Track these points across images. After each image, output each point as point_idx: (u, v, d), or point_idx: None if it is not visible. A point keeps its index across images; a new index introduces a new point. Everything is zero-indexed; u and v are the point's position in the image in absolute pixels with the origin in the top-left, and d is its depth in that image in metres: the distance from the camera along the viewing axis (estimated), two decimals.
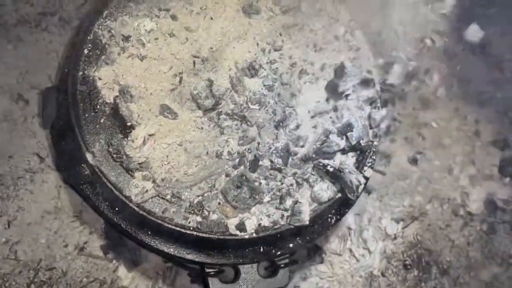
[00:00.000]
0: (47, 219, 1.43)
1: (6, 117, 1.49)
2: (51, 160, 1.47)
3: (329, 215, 1.11)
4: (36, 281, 1.37)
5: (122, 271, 1.42)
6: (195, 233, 0.96)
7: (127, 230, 1.02)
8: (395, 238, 1.62)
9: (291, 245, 1.08)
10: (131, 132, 0.97)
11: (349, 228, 1.58)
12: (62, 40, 1.60)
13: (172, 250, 1.03)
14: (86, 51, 1.04)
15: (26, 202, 1.43)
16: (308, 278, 1.50)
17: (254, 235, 0.99)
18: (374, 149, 1.09)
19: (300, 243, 1.09)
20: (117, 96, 0.99)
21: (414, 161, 1.72)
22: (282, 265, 1.09)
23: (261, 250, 1.06)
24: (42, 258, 1.39)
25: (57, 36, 1.61)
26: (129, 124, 0.96)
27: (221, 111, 1.05)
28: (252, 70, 1.07)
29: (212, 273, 1.06)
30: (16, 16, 1.60)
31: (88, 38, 1.05)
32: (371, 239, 1.57)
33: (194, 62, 1.06)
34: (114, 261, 1.43)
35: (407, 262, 1.59)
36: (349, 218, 1.58)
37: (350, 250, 1.57)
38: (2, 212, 1.41)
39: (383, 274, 1.57)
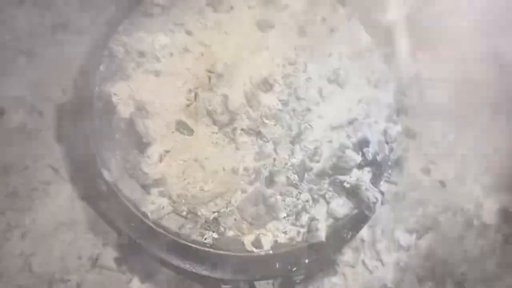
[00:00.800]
0: (61, 231, 1.43)
1: (20, 129, 1.50)
2: (65, 171, 1.47)
3: (345, 231, 1.10)
4: None
5: (135, 283, 1.42)
6: (211, 250, 0.96)
7: (143, 245, 1.02)
8: (409, 249, 1.60)
9: (307, 261, 1.07)
10: (147, 148, 0.97)
11: (362, 240, 1.57)
12: (75, 52, 1.61)
13: (188, 266, 1.03)
14: (101, 67, 1.04)
15: (40, 214, 1.44)
16: None
17: (271, 252, 0.98)
18: (390, 164, 1.08)
19: (316, 258, 1.08)
20: (133, 113, 0.99)
21: (427, 171, 1.71)
22: (297, 281, 1.08)
23: (277, 266, 1.05)
24: (56, 270, 1.40)
25: (70, 48, 1.61)
26: (145, 141, 0.96)
27: (236, 127, 1.05)
28: (267, 85, 1.06)
29: None
30: (30, 28, 1.61)
31: (104, 54, 1.05)
32: (385, 251, 1.56)
33: (209, 78, 1.06)
34: (128, 273, 1.42)
35: (421, 274, 1.57)
36: (362, 230, 1.57)
37: (364, 262, 1.55)
38: (16, 224, 1.41)
39: (396, 287, 1.56)
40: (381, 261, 1.56)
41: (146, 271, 1.40)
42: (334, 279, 1.52)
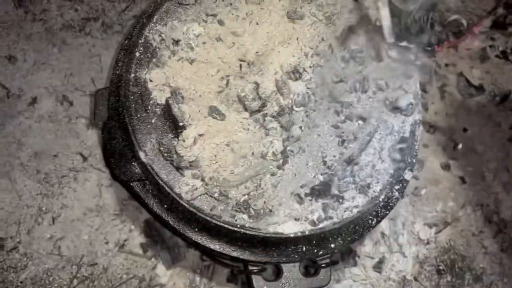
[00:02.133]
0: (89, 216, 1.47)
1: (51, 118, 1.55)
2: (94, 159, 1.52)
3: (370, 217, 1.13)
4: (78, 276, 1.41)
5: (160, 268, 1.46)
6: (242, 230, 0.99)
7: (175, 227, 1.05)
8: (428, 243, 1.62)
9: (332, 245, 1.10)
10: (181, 132, 1.01)
11: (383, 233, 1.60)
12: (104, 44, 1.66)
13: (218, 247, 1.06)
14: (137, 54, 1.08)
15: (69, 199, 1.48)
16: (341, 281, 1.51)
17: (299, 234, 1.01)
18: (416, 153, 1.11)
19: (341, 243, 1.11)
20: (169, 97, 1.02)
21: (447, 167, 1.72)
22: (323, 265, 1.11)
23: (304, 249, 1.08)
24: (84, 254, 1.44)
25: (100, 40, 1.66)
26: (180, 124, 1.00)
27: (267, 113, 1.08)
28: (296, 73, 1.10)
29: (255, 270, 1.08)
30: (61, 21, 1.66)
31: (140, 41, 1.09)
32: (404, 244, 1.58)
33: (240, 66, 1.09)
34: (153, 259, 1.46)
35: (440, 267, 1.59)
36: (383, 223, 1.59)
37: (383, 254, 1.57)
38: (47, 209, 1.46)
39: (415, 279, 1.58)
40: (400, 253, 1.58)
41: (172, 257, 1.44)
42: (355, 270, 1.54)
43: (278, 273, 1.11)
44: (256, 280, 1.08)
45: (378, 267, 1.55)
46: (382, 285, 1.55)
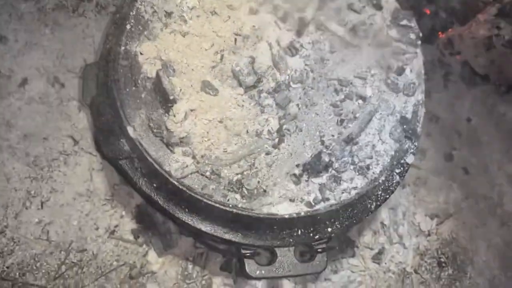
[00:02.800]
0: (79, 201, 1.43)
1: (42, 100, 1.50)
2: (85, 143, 1.47)
3: (369, 200, 1.08)
4: (67, 262, 1.37)
5: (152, 255, 1.42)
6: (234, 210, 0.94)
7: (165, 207, 1.01)
8: (429, 234, 1.58)
9: (329, 229, 1.05)
10: (172, 107, 0.96)
11: (383, 223, 1.55)
12: (98, 25, 1.61)
13: (209, 229, 1.01)
14: (128, 27, 1.04)
15: (59, 183, 1.44)
16: (339, 271, 1.47)
17: (294, 215, 0.96)
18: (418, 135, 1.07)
19: (338, 227, 1.06)
20: (159, 70, 0.98)
21: (449, 157, 1.68)
22: (319, 250, 1.06)
23: (299, 233, 1.03)
24: (74, 239, 1.39)
25: (93, 21, 1.61)
26: (171, 98, 0.95)
27: (262, 89, 1.04)
28: (292, 49, 1.05)
29: (248, 254, 1.03)
30: (54, 1, 1.61)
31: (131, 13, 1.04)
32: (405, 235, 1.54)
33: (235, 40, 1.04)
34: (144, 246, 1.42)
35: (441, 260, 1.55)
36: (383, 212, 1.54)
37: (383, 245, 1.53)
38: (35, 193, 1.41)
39: (416, 271, 1.54)
40: (401, 244, 1.53)
41: (164, 244, 1.40)
42: (353, 261, 1.50)
43: (272, 258, 1.06)
44: (249, 264, 1.03)
45: (378, 258, 1.51)
46: (381, 276, 1.50)
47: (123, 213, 1.44)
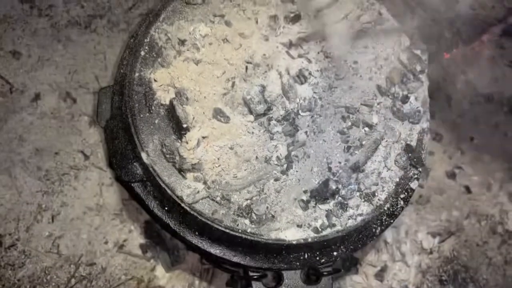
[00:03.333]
0: (89, 215, 1.46)
1: (54, 115, 1.53)
2: (95, 158, 1.51)
3: (374, 225, 1.11)
4: (76, 276, 1.40)
5: (159, 270, 1.45)
6: (243, 235, 0.97)
7: (175, 229, 1.04)
8: (431, 252, 1.61)
9: (335, 253, 1.08)
10: (185, 133, 0.99)
11: (385, 241, 1.58)
12: (109, 42, 1.64)
13: (218, 252, 1.04)
14: (143, 53, 1.06)
15: (69, 198, 1.47)
16: None
17: (302, 241, 0.99)
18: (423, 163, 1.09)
19: (344, 251, 1.09)
20: (173, 98, 1.01)
21: (452, 175, 1.71)
22: (325, 273, 1.09)
23: (306, 256, 1.06)
24: (83, 253, 1.42)
25: (105, 38, 1.65)
26: (184, 125, 0.98)
27: (272, 117, 1.07)
28: (301, 77, 1.08)
29: (255, 276, 1.06)
30: (67, 17, 1.65)
31: (146, 40, 1.07)
32: (407, 253, 1.56)
33: (246, 68, 1.07)
34: (152, 260, 1.45)
35: (443, 278, 1.57)
36: (386, 231, 1.56)
37: (385, 263, 1.56)
38: (46, 206, 1.44)
39: None
40: (403, 262, 1.56)
41: (171, 259, 1.43)
42: (356, 278, 1.52)
43: (279, 280, 1.09)
44: (257, 286, 1.06)
45: (380, 275, 1.53)
46: None
47: (132, 227, 1.47)
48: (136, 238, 1.46)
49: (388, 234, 1.57)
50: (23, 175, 1.46)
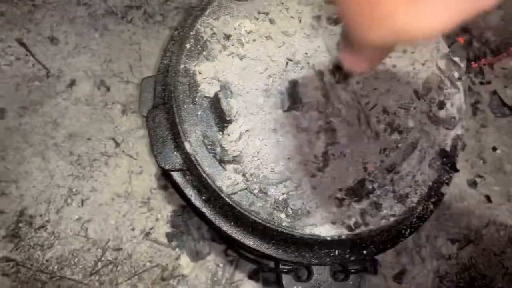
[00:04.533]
0: (117, 201, 1.49)
1: (88, 101, 1.57)
2: (126, 146, 1.54)
3: (404, 227, 1.13)
4: (103, 260, 1.43)
5: (184, 259, 1.47)
6: (279, 228, 0.99)
7: (211, 219, 1.06)
8: (450, 258, 1.62)
9: (365, 251, 1.10)
10: (227, 126, 1.01)
11: (406, 244, 1.60)
12: (145, 33, 1.67)
13: (252, 243, 1.06)
14: (188, 46, 1.09)
15: (99, 183, 1.50)
16: None
17: (336, 237, 1.01)
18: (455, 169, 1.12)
19: (373, 250, 1.11)
20: (219, 91, 1.03)
21: (473, 184, 1.72)
22: (352, 271, 1.11)
23: (336, 253, 1.08)
24: (110, 238, 1.45)
25: (141, 29, 1.68)
26: (228, 118, 1.01)
27: (310, 115, 1.09)
28: (344, 78, 1.10)
29: (285, 270, 1.09)
30: (105, 6, 1.68)
31: (191, 33, 1.10)
32: (426, 257, 1.58)
33: (286, 64, 1.10)
34: (177, 249, 1.48)
35: (460, 284, 1.59)
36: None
37: (405, 266, 1.58)
38: (77, 190, 1.48)
39: None
40: (422, 266, 1.58)
41: (196, 250, 1.45)
42: (375, 279, 1.54)
43: (308, 275, 1.12)
44: (287, 280, 1.08)
45: (399, 278, 1.55)
46: None
47: (159, 216, 1.50)
48: (162, 227, 1.49)
49: (409, 238, 1.59)
50: (56, 159, 1.49)
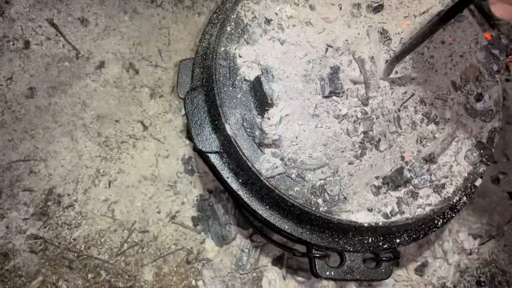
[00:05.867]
0: (144, 184, 1.50)
1: (116, 84, 1.57)
2: (153, 129, 1.54)
3: (437, 217, 1.13)
4: (129, 241, 1.44)
5: (209, 243, 1.48)
6: (317, 213, 1.00)
7: (248, 202, 1.07)
8: (471, 253, 1.63)
9: (398, 240, 1.11)
10: (268, 109, 1.02)
11: (429, 237, 1.60)
12: (174, 17, 1.68)
13: (287, 227, 1.07)
14: (229, 29, 1.09)
15: (126, 165, 1.51)
16: None
17: (373, 224, 1.02)
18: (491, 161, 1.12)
19: (406, 239, 1.11)
20: (261, 74, 1.03)
21: (496, 181, 1.72)
22: (384, 258, 1.12)
23: (370, 240, 1.09)
24: (136, 220, 1.46)
25: (170, 13, 1.68)
26: (269, 102, 1.01)
27: (350, 101, 1.09)
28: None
29: (318, 255, 1.09)
30: None
31: (232, 16, 1.10)
32: (448, 251, 1.59)
33: (326, 50, 1.10)
34: (202, 233, 1.49)
35: (481, 279, 1.60)
36: None
37: (426, 259, 1.58)
38: (104, 172, 1.48)
39: (455, 287, 1.58)
40: (444, 260, 1.58)
41: (222, 234, 1.46)
42: (397, 270, 1.55)
43: (341, 261, 1.12)
44: (320, 264, 1.09)
45: (420, 270, 1.56)
46: None
47: (185, 200, 1.51)
48: (188, 211, 1.50)
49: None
50: (84, 139, 1.50)
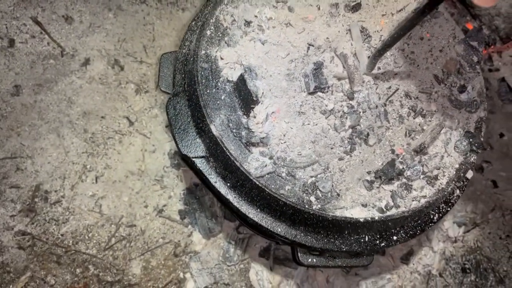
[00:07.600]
0: (130, 179, 1.51)
1: (102, 80, 1.57)
2: (139, 125, 1.55)
3: (432, 212, 1.15)
4: (116, 236, 1.45)
5: (196, 236, 1.50)
6: (310, 211, 0.99)
7: (237, 206, 1.06)
8: (456, 241, 1.66)
9: (395, 237, 1.12)
10: (253, 108, 1.02)
11: None
12: (158, 13, 1.67)
13: (280, 230, 1.06)
14: (208, 33, 1.09)
15: (113, 161, 1.51)
16: (369, 267, 1.55)
17: (369, 219, 1.02)
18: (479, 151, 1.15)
19: (403, 236, 1.12)
20: (244, 72, 1.04)
21: (480, 170, 1.75)
22: (374, 254, 1.13)
23: (366, 239, 1.10)
24: (124, 215, 1.48)
25: (154, 9, 1.68)
26: (254, 99, 1.01)
27: (335, 95, 1.10)
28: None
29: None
30: None
31: (211, 21, 1.10)
32: (433, 239, 1.62)
33: (308, 48, 1.11)
34: (190, 226, 1.50)
35: (466, 266, 1.63)
36: None
37: (412, 247, 1.61)
38: (91, 167, 1.49)
39: (440, 275, 1.62)
40: (429, 248, 1.61)
41: (208, 227, 1.47)
42: (383, 259, 1.58)
43: None
44: (302, 252, 1.10)
45: (406, 258, 1.59)
46: (408, 276, 1.59)
47: (172, 194, 1.52)
48: (175, 204, 1.52)
49: None
50: (71, 136, 1.51)
